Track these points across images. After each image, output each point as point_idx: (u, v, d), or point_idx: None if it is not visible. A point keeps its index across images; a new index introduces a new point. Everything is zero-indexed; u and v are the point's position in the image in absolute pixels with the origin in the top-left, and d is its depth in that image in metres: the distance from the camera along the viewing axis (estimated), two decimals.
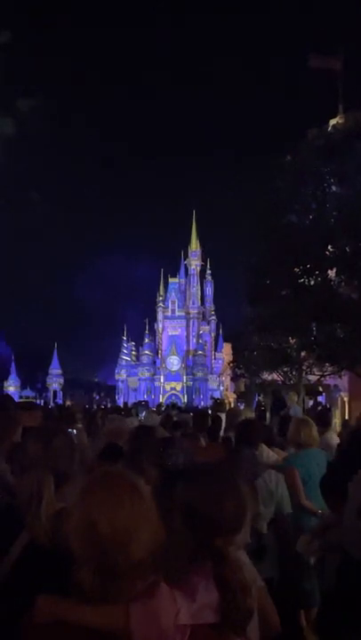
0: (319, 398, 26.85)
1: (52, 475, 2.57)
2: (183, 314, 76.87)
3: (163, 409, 20.26)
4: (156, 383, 73.47)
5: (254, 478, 4.48)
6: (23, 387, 78.18)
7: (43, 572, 2.15)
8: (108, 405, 55.80)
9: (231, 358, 28.70)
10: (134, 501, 1.66)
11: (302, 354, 20.52)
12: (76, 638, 1.57)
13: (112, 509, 1.62)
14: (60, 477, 2.64)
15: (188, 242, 78.01)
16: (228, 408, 15.73)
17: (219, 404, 15.86)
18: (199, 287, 78.25)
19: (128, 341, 79.83)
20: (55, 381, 77.58)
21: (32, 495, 2.51)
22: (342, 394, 27.95)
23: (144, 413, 14.81)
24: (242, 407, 17.75)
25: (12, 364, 76.59)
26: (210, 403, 38.64)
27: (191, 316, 76.52)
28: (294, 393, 17.28)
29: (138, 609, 1.59)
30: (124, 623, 1.57)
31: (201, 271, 78.80)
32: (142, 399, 33.78)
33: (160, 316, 77.71)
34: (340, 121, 24.13)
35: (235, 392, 38.89)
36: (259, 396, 28.91)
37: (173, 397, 66.73)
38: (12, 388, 72.11)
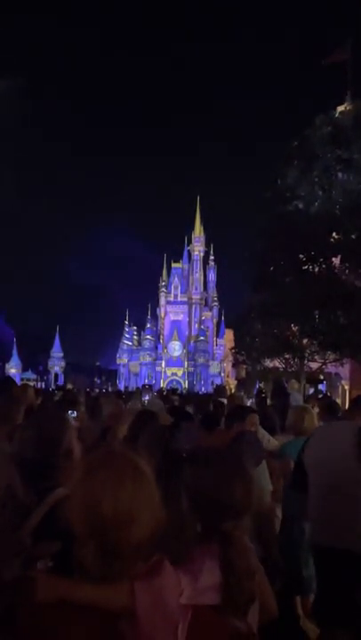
0: (320, 386, 26.87)
1: None
2: (185, 299, 76.81)
3: (164, 394, 20.27)
4: (158, 368, 73.56)
5: (257, 464, 4.48)
6: (25, 369, 78.35)
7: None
8: (110, 390, 56.07)
9: (233, 345, 28.67)
10: (136, 481, 1.64)
11: (304, 341, 20.50)
12: (79, 616, 1.56)
13: (114, 488, 1.60)
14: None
15: (192, 227, 77.80)
16: (228, 394, 15.71)
17: (220, 390, 15.84)
18: (202, 273, 78.13)
19: (130, 326, 79.95)
20: (57, 364, 77.79)
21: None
22: (343, 382, 27.96)
23: (148, 397, 14.78)
24: (241, 394, 17.76)
25: (14, 347, 76.72)
26: (211, 389, 38.66)
27: (193, 301, 76.46)
28: (295, 381, 17.25)
29: (143, 587, 1.58)
30: (128, 601, 1.56)
31: (204, 257, 78.67)
32: (146, 383, 33.79)
33: (162, 301, 77.66)
34: (347, 108, 23.91)
35: (236, 378, 38.88)
36: (260, 382, 28.92)
37: (174, 382, 66.89)
38: (13, 370, 72.33)
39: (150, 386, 20.22)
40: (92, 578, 1.60)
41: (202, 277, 78.06)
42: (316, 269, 18.34)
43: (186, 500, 2.05)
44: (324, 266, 18.23)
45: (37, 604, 1.57)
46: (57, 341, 78.58)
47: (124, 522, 1.58)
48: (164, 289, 77.79)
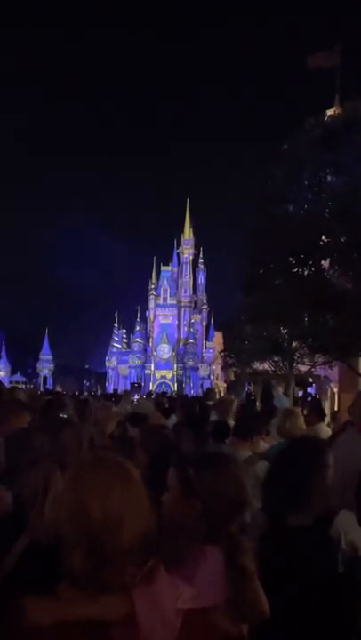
0: (309, 389, 26.91)
1: (60, 469, 2.49)
2: (175, 302, 76.84)
3: (153, 397, 20.23)
4: (147, 371, 73.50)
5: None
6: (13, 372, 78.08)
7: (41, 577, 2.08)
8: (98, 392, 55.92)
9: (222, 347, 28.68)
10: (125, 485, 1.62)
11: (294, 344, 20.51)
12: (77, 633, 1.52)
13: (103, 493, 1.58)
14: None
15: (182, 230, 77.84)
16: (217, 397, 15.71)
17: (208, 393, 15.86)
18: (191, 276, 78.20)
19: (119, 329, 79.86)
20: (45, 367, 77.56)
21: (37, 492, 2.43)
22: (332, 385, 28.03)
23: (137, 397, 14.76)
24: (231, 396, 17.79)
25: (3, 349, 76.40)
26: (200, 392, 38.70)
27: (183, 304, 76.50)
28: (280, 384, 17.28)
29: (141, 596, 1.56)
30: (127, 611, 1.54)
31: (194, 260, 78.77)
32: (135, 382, 33.73)
33: (152, 303, 77.63)
34: (337, 111, 23.99)
35: (225, 381, 38.93)
36: (249, 385, 28.94)
37: (164, 385, 66.87)
38: (1, 372, 72.11)
39: (139, 384, 20.20)
40: (82, 584, 1.56)
41: (191, 280, 78.12)
42: (306, 272, 18.33)
43: (196, 502, 2.05)
44: (313, 269, 18.22)
45: (32, 627, 1.52)
46: (46, 344, 78.36)
47: (112, 526, 1.55)
48: (153, 292, 77.77)
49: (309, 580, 2.44)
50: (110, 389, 61.63)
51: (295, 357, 21.19)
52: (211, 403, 10.15)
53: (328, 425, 9.28)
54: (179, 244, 77.98)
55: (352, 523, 2.69)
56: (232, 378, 28.35)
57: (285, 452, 2.98)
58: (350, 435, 5.22)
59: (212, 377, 69.66)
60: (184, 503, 2.06)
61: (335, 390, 27.72)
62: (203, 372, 72.56)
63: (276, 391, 14.85)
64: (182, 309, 76.53)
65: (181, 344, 74.25)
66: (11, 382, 58.39)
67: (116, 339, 79.42)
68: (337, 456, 3.80)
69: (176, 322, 76.70)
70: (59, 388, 57.89)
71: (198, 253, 79.75)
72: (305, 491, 2.63)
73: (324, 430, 8.14)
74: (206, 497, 2.05)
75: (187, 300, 76.72)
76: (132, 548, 1.59)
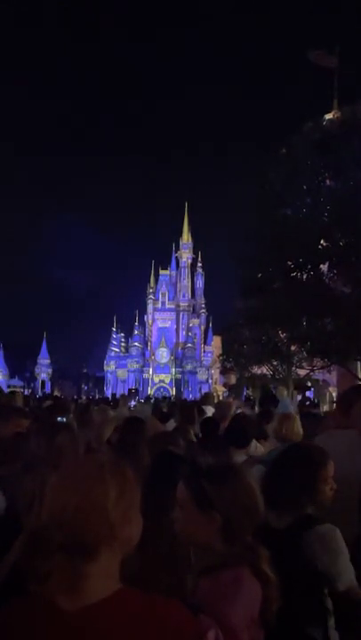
0: (307, 393, 26.88)
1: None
2: (173, 306, 76.84)
3: (152, 401, 20.19)
4: (145, 375, 73.44)
5: None
6: (11, 376, 77.92)
7: None
8: (97, 397, 55.84)
9: (221, 351, 28.67)
10: (117, 488, 1.58)
11: (292, 348, 20.51)
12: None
13: (83, 494, 1.54)
14: None
15: (180, 234, 77.89)
16: (216, 401, 15.64)
17: (207, 397, 15.76)
18: (190, 280, 78.21)
19: (118, 333, 79.81)
20: (44, 371, 77.43)
21: (33, 497, 2.40)
22: (331, 388, 28.02)
23: (133, 402, 14.71)
24: (229, 400, 17.76)
25: (1, 353, 76.28)
26: (198, 396, 38.62)
27: (181, 308, 76.50)
28: (284, 387, 17.24)
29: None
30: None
31: (192, 264, 78.79)
32: (132, 387, 33.69)
33: (150, 307, 77.62)
34: (335, 115, 24.02)
35: (224, 385, 38.91)
36: (247, 389, 28.93)
37: (162, 390, 66.81)
38: None
39: (136, 389, 20.21)
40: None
41: (190, 284, 78.13)
42: (305, 276, 18.33)
43: (215, 515, 2.02)
44: (312, 273, 18.22)
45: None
46: (44, 348, 78.25)
47: (75, 522, 1.52)
48: (151, 296, 77.76)
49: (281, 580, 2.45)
50: (109, 394, 61.56)
51: (294, 361, 21.19)
52: (209, 407, 10.07)
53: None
54: (177, 248, 78.05)
55: (333, 538, 2.65)
56: (231, 382, 28.33)
57: (279, 458, 3.00)
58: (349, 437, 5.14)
59: (210, 381, 69.63)
60: (201, 518, 2.03)
61: (334, 394, 27.71)
62: (201, 375, 72.51)
63: (282, 395, 14.76)
64: (181, 313, 76.52)
65: (180, 348, 74.21)
66: (9, 386, 58.21)
67: (115, 343, 79.37)
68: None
69: (174, 326, 76.69)
70: (57, 393, 57.81)
71: (197, 257, 79.84)
72: (289, 489, 2.67)
73: None
74: (227, 509, 2.03)
75: (185, 303, 76.72)
76: (116, 557, 1.56)
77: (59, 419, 5.71)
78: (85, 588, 1.51)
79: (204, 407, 10.09)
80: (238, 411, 8.67)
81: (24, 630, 1.49)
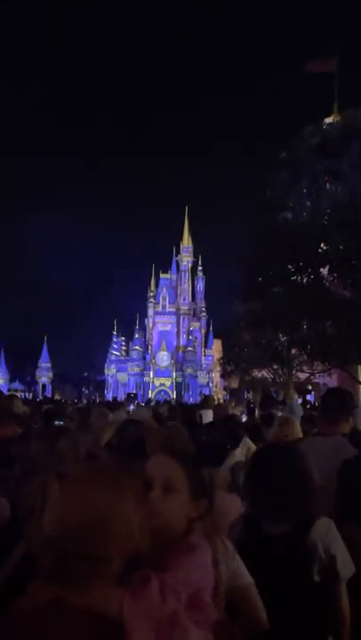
0: (308, 397, 26.86)
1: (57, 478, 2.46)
2: (174, 310, 76.77)
3: (152, 404, 20.17)
4: (146, 379, 73.32)
5: None
6: (12, 379, 77.88)
7: None
8: (97, 400, 55.79)
9: (221, 355, 28.68)
10: (115, 494, 1.58)
11: (293, 351, 20.51)
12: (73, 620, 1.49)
13: (89, 499, 1.54)
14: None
15: (181, 237, 77.89)
16: (216, 404, 15.62)
17: (207, 401, 15.76)
18: (190, 283, 78.11)
19: (118, 336, 79.75)
20: (44, 375, 77.37)
21: (34, 502, 2.39)
22: None
23: (132, 406, 14.67)
24: (230, 403, 17.77)
25: (1, 357, 76.26)
26: (199, 399, 38.62)
27: (182, 312, 76.42)
28: (294, 391, 17.26)
29: (130, 600, 1.52)
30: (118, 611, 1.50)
31: (192, 267, 78.71)
32: (131, 392, 33.68)
33: (150, 311, 77.53)
34: (335, 118, 24.07)
35: (224, 389, 38.90)
36: (248, 392, 28.93)
37: (163, 393, 66.70)
38: (0, 380, 71.85)
39: (135, 394, 20.21)
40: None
41: (190, 288, 78.04)
42: (305, 280, 18.35)
43: (204, 502, 2.09)
44: (312, 276, 18.25)
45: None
46: (45, 352, 78.20)
47: (94, 533, 1.51)
48: (152, 299, 77.69)
49: (283, 588, 2.40)
50: (109, 397, 61.49)
51: (294, 364, 21.19)
52: (210, 410, 10.09)
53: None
54: (178, 252, 77.99)
55: (330, 530, 2.64)
56: (232, 385, 28.33)
57: (259, 457, 2.91)
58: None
59: (211, 384, 69.55)
60: (190, 504, 2.03)
61: None
62: (202, 379, 72.42)
63: (291, 399, 14.68)
64: (181, 317, 76.45)
65: (180, 352, 74.14)
66: (9, 390, 58.30)
67: (115, 346, 79.29)
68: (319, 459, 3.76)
69: (175, 329, 76.61)
70: (57, 396, 57.80)
71: (197, 261, 79.78)
72: (280, 497, 2.59)
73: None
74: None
75: (186, 307, 76.65)
76: (108, 562, 1.55)
77: (56, 422, 5.71)
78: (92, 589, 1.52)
79: (204, 411, 10.11)
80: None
81: (31, 628, 1.49)
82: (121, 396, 48.92)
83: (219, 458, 4.67)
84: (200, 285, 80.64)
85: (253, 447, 6.36)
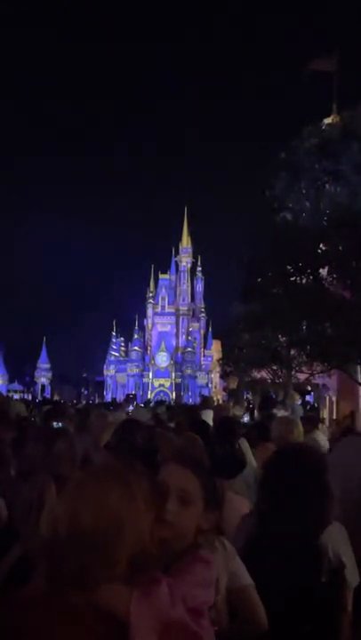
0: (307, 397, 26.81)
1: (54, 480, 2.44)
2: (173, 310, 76.81)
3: (151, 405, 20.15)
4: (145, 379, 73.34)
5: None
6: (11, 380, 77.85)
7: None
8: (96, 401, 55.75)
9: (220, 355, 28.65)
10: (123, 497, 1.54)
11: (292, 352, 20.46)
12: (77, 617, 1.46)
13: (97, 502, 1.51)
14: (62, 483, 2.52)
15: (180, 238, 77.92)
16: (215, 405, 15.60)
17: (206, 402, 15.73)
18: (189, 284, 78.18)
19: (117, 337, 79.74)
20: (43, 376, 77.41)
21: (31, 504, 2.37)
22: (331, 393, 27.94)
23: (131, 407, 14.68)
24: (229, 404, 17.75)
25: (1, 357, 76.23)
26: (198, 400, 38.60)
27: (181, 312, 76.45)
28: (296, 392, 17.22)
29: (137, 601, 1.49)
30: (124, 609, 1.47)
31: (192, 268, 78.80)
32: (130, 393, 33.68)
33: (150, 312, 77.58)
34: (334, 119, 24.04)
35: (224, 389, 38.86)
36: (247, 393, 28.89)
37: (162, 394, 66.69)
38: None
39: (134, 395, 20.22)
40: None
41: (189, 288, 78.11)
42: (304, 280, 18.31)
43: (216, 514, 2.08)
44: (311, 277, 18.21)
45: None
46: (44, 353, 78.23)
47: (107, 538, 1.48)
48: (151, 300, 77.72)
49: (291, 585, 2.39)
50: (108, 398, 61.46)
51: (294, 366, 21.14)
52: (210, 411, 10.06)
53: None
54: (177, 253, 78.07)
55: (341, 536, 2.63)
56: (232, 386, 28.31)
57: (278, 456, 2.92)
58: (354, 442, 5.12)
59: (210, 385, 69.58)
60: (202, 516, 2.01)
61: (334, 399, 27.63)
62: (201, 380, 72.45)
63: (293, 400, 14.67)
64: (180, 317, 76.46)
65: (180, 352, 74.15)
66: (8, 391, 58.28)
67: (114, 347, 79.30)
68: (338, 463, 3.75)
69: (174, 330, 76.63)
70: (57, 397, 57.75)
71: (196, 261, 79.86)
72: (294, 497, 2.58)
73: (321, 437, 8.09)
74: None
75: (185, 308, 76.67)
76: (119, 565, 1.51)
77: (55, 424, 5.69)
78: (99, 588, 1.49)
79: (203, 411, 10.08)
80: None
81: (33, 624, 1.47)
82: (120, 397, 48.89)
83: (234, 472, 4.65)
84: (199, 286, 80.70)
85: (247, 446, 6.32)
